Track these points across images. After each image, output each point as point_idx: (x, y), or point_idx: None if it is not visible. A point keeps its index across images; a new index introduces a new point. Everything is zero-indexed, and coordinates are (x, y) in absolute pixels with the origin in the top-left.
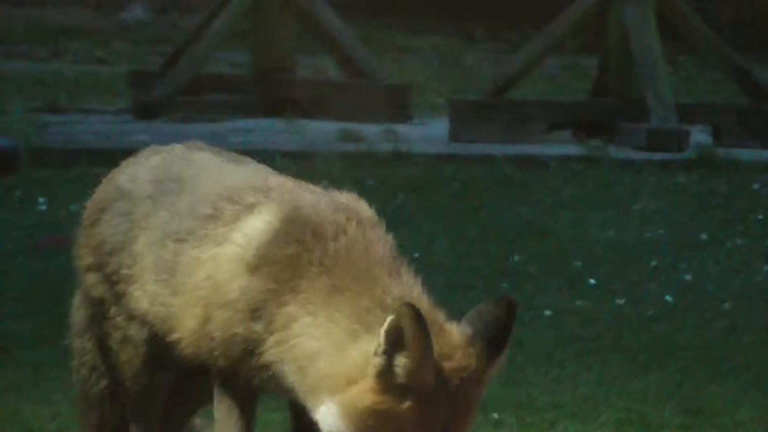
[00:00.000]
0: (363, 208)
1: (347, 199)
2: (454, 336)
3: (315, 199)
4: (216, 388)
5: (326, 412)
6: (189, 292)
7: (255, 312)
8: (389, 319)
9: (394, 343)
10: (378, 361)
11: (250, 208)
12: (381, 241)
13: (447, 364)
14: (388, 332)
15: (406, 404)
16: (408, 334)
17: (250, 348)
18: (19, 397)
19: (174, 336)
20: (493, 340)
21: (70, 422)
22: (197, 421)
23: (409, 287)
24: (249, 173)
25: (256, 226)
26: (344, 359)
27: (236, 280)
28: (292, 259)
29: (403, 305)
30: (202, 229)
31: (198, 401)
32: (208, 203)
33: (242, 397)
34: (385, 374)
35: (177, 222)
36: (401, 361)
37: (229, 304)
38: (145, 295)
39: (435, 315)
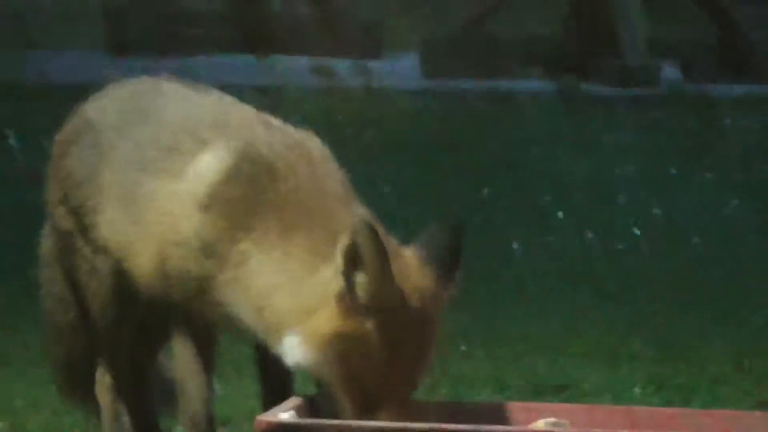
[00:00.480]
0: (315, 144)
1: (300, 135)
2: (408, 258)
3: (268, 136)
4: (174, 324)
5: (290, 345)
6: (145, 227)
7: (208, 250)
8: (345, 237)
9: (352, 261)
10: (337, 283)
11: (205, 143)
12: (333, 177)
13: (406, 285)
14: (345, 251)
15: (369, 325)
16: (365, 251)
17: (204, 286)
18: None
19: (131, 267)
20: (445, 261)
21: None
22: (167, 361)
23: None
24: (212, 105)
25: (209, 163)
26: (303, 291)
27: (189, 219)
28: (244, 198)
29: (358, 222)
30: (161, 161)
31: (164, 338)
32: (169, 134)
33: (200, 334)
34: (346, 296)
35: (140, 152)
36: (361, 280)
37: (183, 242)
38: (106, 222)
39: (388, 240)
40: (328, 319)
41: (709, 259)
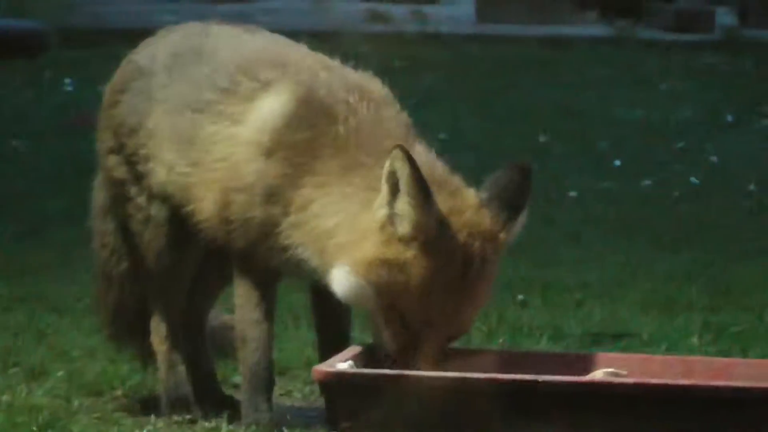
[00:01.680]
0: (376, 86)
1: (360, 77)
2: (468, 196)
3: (329, 78)
4: (236, 271)
5: (337, 273)
6: (206, 171)
7: (272, 196)
8: (387, 165)
9: (393, 188)
10: (381, 212)
11: (266, 86)
12: (393, 119)
13: (456, 219)
14: (386, 179)
15: (411, 252)
16: (402, 177)
17: (268, 231)
18: (47, 277)
19: (191, 212)
20: (511, 202)
21: None
22: (219, 314)
23: (424, 154)
24: (267, 44)
25: (272, 108)
26: (357, 225)
27: (252, 164)
28: (307, 143)
29: (394, 148)
30: (219, 104)
31: (219, 287)
32: (226, 75)
33: (262, 279)
34: (389, 224)
35: (196, 92)
36: (401, 206)
37: (246, 188)
38: (162, 165)
39: (451, 178)
40: (371, 247)
41: (766, 206)
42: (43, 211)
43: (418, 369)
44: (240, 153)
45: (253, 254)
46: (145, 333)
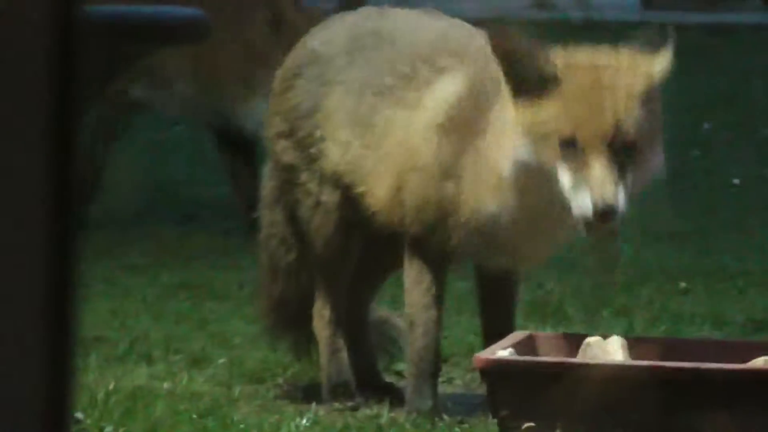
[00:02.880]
0: None
1: None
2: None
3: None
4: (407, 255)
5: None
6: (382, 154)
7: (446, 173)
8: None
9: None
10: None
11: (442, 71)
12: None
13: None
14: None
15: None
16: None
17: (443, 209)
18: (209, 264)
19: (365, 194)
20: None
21: None
22: (376, 309)
23: None
24: (448, 30)
25: (445, 90)
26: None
27: (427, 144)
28: (473, 120)
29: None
30: (399, 90)
31: (380, 280)
32: (407, 61)
33: (433, 263)
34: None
35: (377, 75)
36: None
37: (422, 168)
38: (337, 146)
39: None
40: None
41: None
42: (204, 198)
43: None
44: (415, 136)
45: (428, 237)
46: (305, 324)
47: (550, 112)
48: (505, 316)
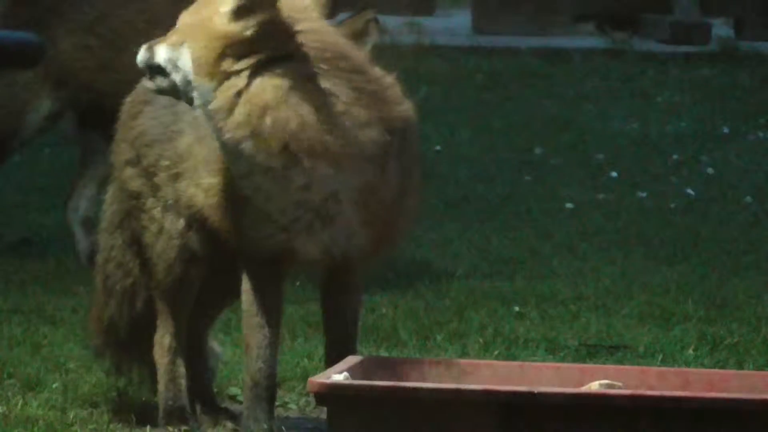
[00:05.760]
0: None
1: None
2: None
3: None
4: (243, 279)
5: None
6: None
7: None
8: None
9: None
10: None
11: None
12: None
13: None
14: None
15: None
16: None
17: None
18: (43, 289)
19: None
20: None
21: None
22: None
23: None
24: None
25: None
26: None
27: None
28: None
29: None
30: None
31: (218, 309)
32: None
33: (267, 280)
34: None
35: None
36: None
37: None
38: (199, 190)
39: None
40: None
41: (762, 219)
42: (38, 223)
43: None
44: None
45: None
46: (133, 349)
47: None
48: (347, 340)
